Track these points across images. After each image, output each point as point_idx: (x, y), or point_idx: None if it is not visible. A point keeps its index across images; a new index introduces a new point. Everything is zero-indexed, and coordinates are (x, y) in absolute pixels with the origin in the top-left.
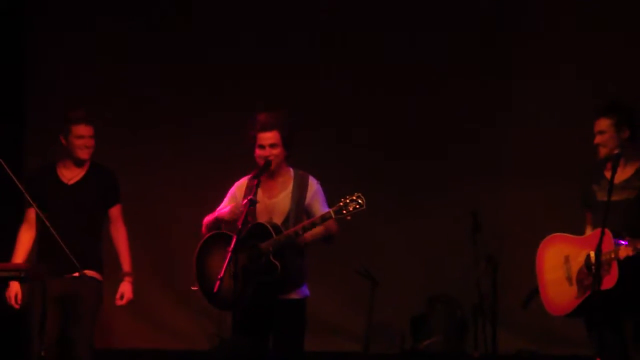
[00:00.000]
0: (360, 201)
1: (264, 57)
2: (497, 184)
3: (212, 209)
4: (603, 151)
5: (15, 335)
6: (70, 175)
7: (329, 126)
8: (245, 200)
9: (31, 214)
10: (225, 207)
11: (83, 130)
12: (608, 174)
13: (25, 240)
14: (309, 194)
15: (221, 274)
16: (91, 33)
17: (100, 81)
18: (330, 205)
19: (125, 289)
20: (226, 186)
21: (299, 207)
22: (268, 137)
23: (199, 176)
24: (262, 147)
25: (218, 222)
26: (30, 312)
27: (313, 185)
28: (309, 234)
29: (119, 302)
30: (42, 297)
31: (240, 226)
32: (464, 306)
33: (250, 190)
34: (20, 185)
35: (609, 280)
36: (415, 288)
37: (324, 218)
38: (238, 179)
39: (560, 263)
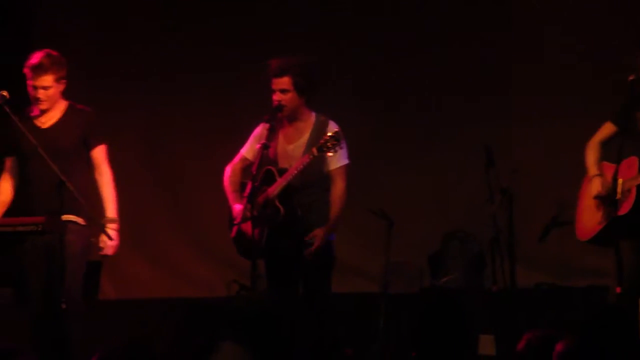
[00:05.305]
0: (337, 138)
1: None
2: (508, 121)
3: (230, 157)
4: None
5: None
6: (45, 118)
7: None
8: (259, 145)
9: (9, 162)
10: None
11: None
12: None
13: (5, 189)
14: None
15: (237, 220)
16: None
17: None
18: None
19: (110, 236)
20: (242, 136)
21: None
22: (279, 82)
23: (214, 127)
24: (274, 92)
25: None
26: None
27: (332, 131)
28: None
29: (102, 252)
30: (60, 251)
31: (254, 172)
32: (481, 241)
33: (266, 134)
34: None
35: (626, 206)
36: (431, 226)
37: (309, 158)
38: (252, 129)
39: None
